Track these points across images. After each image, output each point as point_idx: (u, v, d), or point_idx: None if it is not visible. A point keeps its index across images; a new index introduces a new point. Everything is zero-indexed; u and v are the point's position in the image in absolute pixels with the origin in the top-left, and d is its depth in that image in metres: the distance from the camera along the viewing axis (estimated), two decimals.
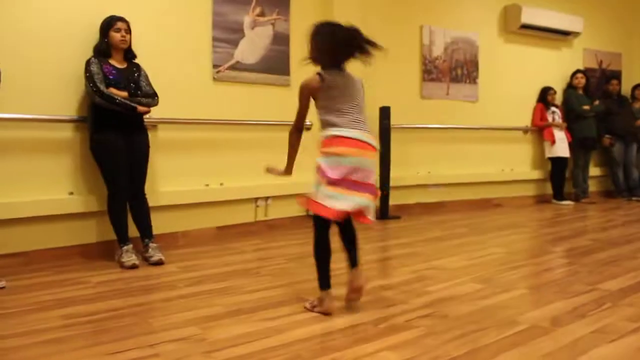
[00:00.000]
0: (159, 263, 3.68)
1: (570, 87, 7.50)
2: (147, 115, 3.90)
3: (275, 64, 5.01)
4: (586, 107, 7.29)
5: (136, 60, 3.93)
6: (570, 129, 7.26)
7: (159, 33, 4.34)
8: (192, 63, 4.54)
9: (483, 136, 6.73)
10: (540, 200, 7.35)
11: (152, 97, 3.83)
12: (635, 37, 8.61)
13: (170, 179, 4.41)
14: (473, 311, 2.71)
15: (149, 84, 3.87)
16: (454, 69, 6.38)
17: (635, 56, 8.60)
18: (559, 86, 7.46)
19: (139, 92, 3.77)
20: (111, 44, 3.78)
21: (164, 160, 4.36)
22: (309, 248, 4.17)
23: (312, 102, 2.70)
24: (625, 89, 8.05)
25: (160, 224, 4.19)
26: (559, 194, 7.20)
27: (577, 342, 2.30)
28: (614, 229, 5.21)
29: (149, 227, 3.88)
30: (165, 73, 4.31)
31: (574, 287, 3.14)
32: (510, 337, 2.35)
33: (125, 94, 3.69)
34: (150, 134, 4.00)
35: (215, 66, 4.65)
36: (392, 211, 5.80)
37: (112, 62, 3.78)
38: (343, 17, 5.29)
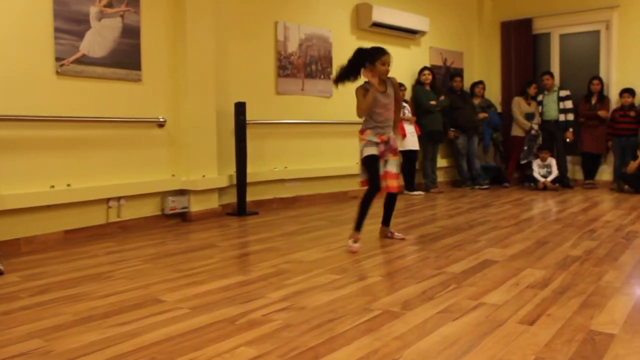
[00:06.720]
0: None
1: (418, 83, 7.93)
2: None
3: (125, 58, 4.78)
4: (433, 102, 7.74)
5: None
6: (419, 123, 7.67)
7: None
8: (32, 55, 4.21)
9: (338, 131, 6.91)
10: None
11: None
12: (474, 39, 9.30)
13: (9, 181, 4.08)
14: (330, 301, 2.77)
15: None
16: (309, 65, 6.48)
17: (474, 55, 9.29)
18: (408, 82, 7.85)
19: None
20: None
21: (1, 161, 4.03)
22: (166, 248, 4.11)
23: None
24: (467, 85, 8.65)
25: None
26: (410, 185, 7.58)
27: (426, 322, 2.43)
28: (460, 215, 5.57)
29: None
30: (0, 66, 3.98)
31: (423, 272, 3.32)
32: (364, 323, 2.43)
33: None
34: None
35: (58, 59, 4.35)
36: (250, 207, 5.79)
37: None
38: (195, 11, 5.27)
